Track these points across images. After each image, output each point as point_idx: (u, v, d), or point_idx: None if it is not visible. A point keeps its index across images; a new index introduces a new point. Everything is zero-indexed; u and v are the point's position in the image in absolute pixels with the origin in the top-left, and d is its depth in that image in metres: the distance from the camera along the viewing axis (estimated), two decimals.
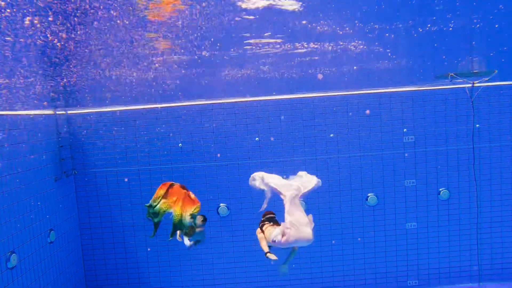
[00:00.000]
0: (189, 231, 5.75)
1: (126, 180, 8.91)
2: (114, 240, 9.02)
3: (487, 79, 8.13)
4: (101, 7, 4.15)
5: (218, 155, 8.93)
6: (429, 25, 5.57)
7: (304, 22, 5.16)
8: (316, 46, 6.19)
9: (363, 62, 7.20)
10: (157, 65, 6.42)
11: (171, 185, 5.70)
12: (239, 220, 8.87)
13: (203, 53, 5.83)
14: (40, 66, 5.55)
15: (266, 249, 5.62)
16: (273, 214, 6.15)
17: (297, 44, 5.95)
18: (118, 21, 4.50)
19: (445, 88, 8.85)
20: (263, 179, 5.81)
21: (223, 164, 8.87)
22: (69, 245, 8.51)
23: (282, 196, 5.62)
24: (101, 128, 8.77)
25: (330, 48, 6.30)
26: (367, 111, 8.82)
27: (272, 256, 5.54)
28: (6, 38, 4.31)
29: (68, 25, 4.34)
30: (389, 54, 6.91)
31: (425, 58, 7.47)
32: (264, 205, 5.75)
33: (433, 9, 5.23)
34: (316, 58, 6.62)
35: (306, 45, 6.10)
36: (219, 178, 8.89)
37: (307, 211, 5.74)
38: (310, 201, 8.37)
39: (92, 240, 9.01)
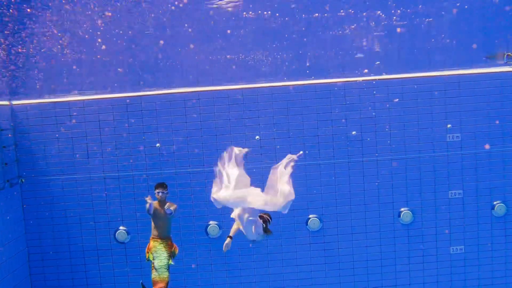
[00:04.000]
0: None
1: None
2: (72, 269, 8.44)
3: None
4: None
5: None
6: None
7: None
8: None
9: (395, 39, 6.98)
10: (124, 44, 6.59)
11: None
12: (234, 242, 7.54)
13: None
14: None
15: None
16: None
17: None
18: None
19: (500, 71, 8.31)
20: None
21: (214, 170, 8.04)
22: (14, 275, 8.07)
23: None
24: (55, 124, 8.25)
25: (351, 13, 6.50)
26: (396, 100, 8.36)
27: (227, 239, 6.38)
28: None
29: None
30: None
31: (474, 33, 7.32)
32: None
33: None
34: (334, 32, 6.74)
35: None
36: (208, 187, 7.95)
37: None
38: (326, 218, 8.24)
39: (44, 268, 8.45)
